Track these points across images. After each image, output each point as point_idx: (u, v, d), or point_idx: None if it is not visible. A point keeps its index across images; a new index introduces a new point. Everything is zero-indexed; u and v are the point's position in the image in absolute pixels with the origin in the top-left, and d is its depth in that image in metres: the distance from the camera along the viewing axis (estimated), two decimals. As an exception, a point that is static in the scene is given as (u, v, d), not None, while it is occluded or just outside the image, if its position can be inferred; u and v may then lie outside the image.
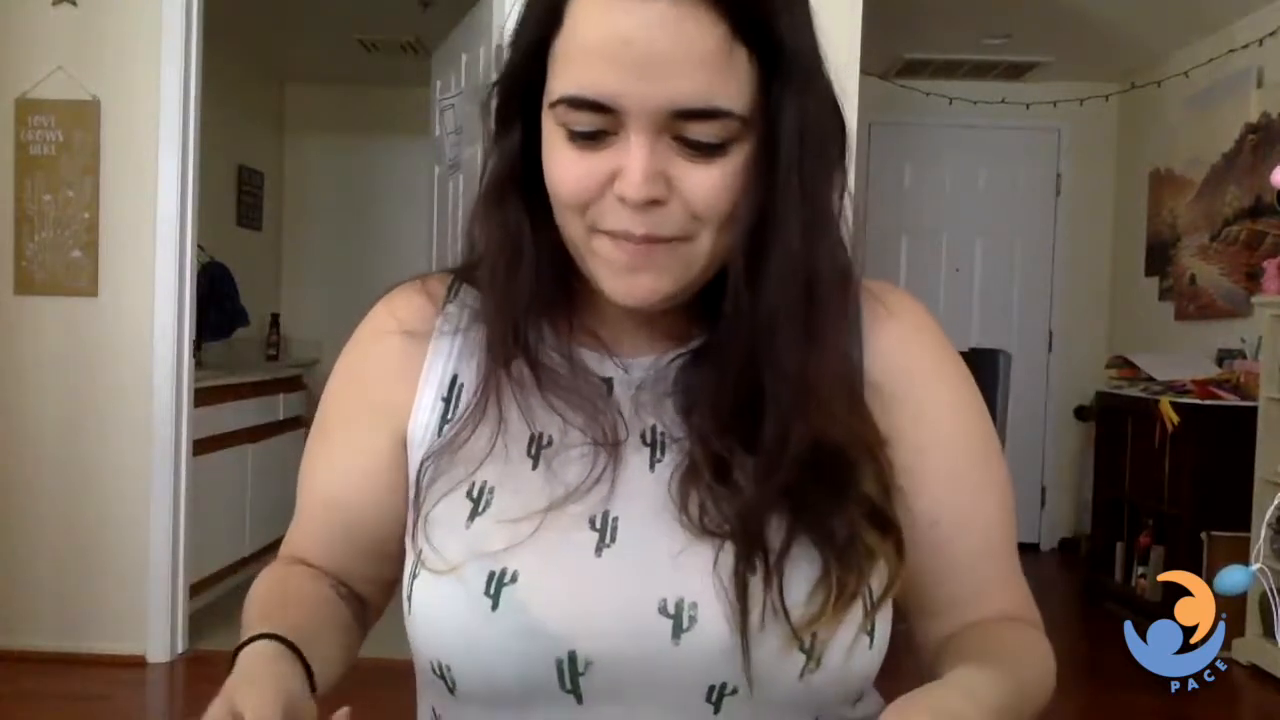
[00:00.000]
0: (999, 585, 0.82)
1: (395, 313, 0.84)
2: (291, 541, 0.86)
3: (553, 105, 0.70)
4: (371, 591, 0.86)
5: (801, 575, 0.70)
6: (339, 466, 0.83)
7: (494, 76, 0.77)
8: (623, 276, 0.72)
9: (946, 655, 0.75)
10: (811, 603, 0.70)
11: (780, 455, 0.71)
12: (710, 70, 0.66)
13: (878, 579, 0.72)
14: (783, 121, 0.69)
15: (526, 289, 0.77)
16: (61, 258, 3.48)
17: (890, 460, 0.75)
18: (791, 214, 0.70)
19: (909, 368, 0.80)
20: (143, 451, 3.51)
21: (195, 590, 3.80)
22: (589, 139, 0.69)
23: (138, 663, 3.51)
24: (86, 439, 3.52)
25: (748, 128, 0.69)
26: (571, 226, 0.73)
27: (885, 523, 0.74)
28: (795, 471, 0.71)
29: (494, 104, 0.76)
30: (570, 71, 0.68)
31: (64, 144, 3.46)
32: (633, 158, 0.68)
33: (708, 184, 0.69)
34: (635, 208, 0.69)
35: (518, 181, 0.76)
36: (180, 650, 3.59)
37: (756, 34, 0.67)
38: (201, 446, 3.83)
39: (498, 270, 0.77)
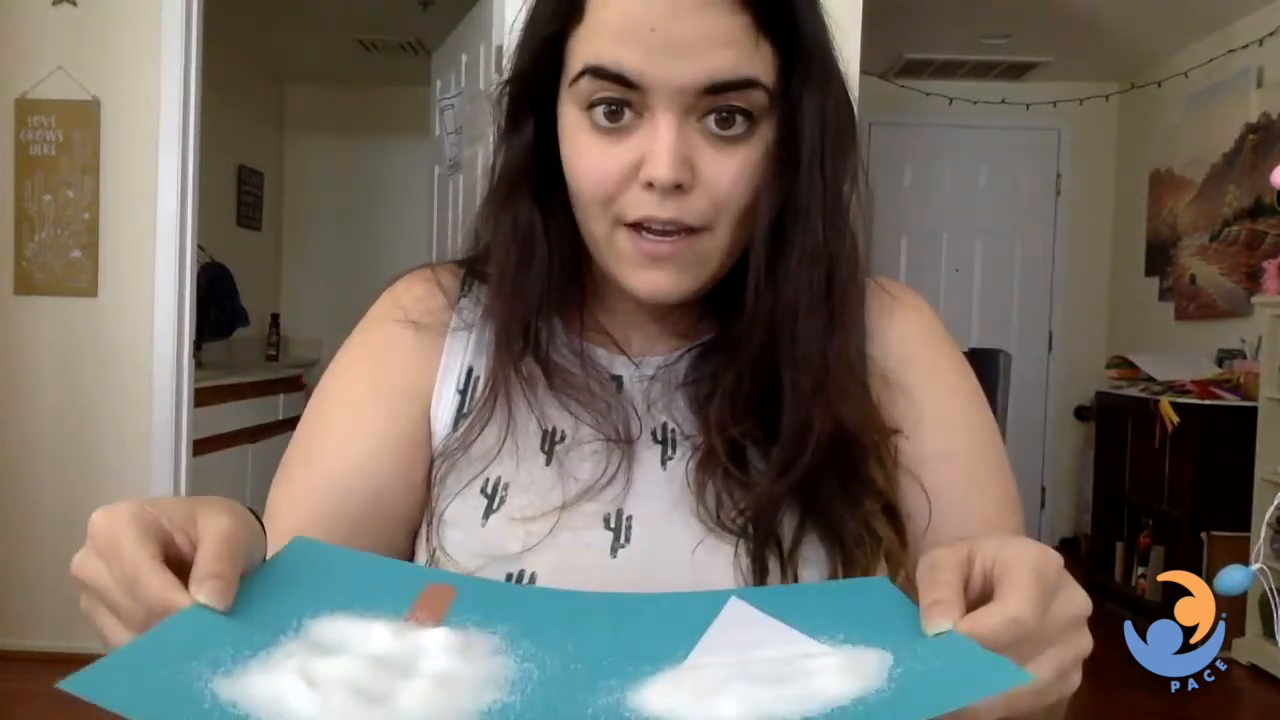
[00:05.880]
0: None
1: (401, 303, 0.82)
2: None
3: (574, 81, 0.70)
4: None
5: (812, 571, 0.71)
6: (370, 434, 0.77)
7: (502, 74, 0.76)
8: (643, 271, 0.72)
9: None
10: None
11: (802, 444, 0.71)
12: (737, 49, 0.67)
13: (881, 570, 0.73)
14: (804, 115, 0.70)
15: (538, 287, 0.76)
16: (61, 258, 3.48)
17: (896, 450, 0.76)
18: (815, 206, 0.71)
19: (914, 357, 0.80)
20: (143, 451, 3.51)
21: (195, 590, 3.79)
22: (612, 124, 0.69)
23: (138, 663, 3.50)
24: (86, 439, 3.52)
25: (771, 111, 0.70)
26: (594, 221, 0.72)
27: (890, 511, 0.74)
28: (814, 461, 0.71)
29: (504, 101, 0.76)
30: (593, 47, 0.68)
31: (64, 144, 3.45)
32: (660, 140, 0.68)
33: (731, 171, 0.69)
34: (662, 192, 0.68)
35: (529, 178, 0.76)
36: (180, 650, 3.58)
37: (779, 26, 0.69)
38: (201, 446, 3.82)
39: (507, 268, 0.76)
